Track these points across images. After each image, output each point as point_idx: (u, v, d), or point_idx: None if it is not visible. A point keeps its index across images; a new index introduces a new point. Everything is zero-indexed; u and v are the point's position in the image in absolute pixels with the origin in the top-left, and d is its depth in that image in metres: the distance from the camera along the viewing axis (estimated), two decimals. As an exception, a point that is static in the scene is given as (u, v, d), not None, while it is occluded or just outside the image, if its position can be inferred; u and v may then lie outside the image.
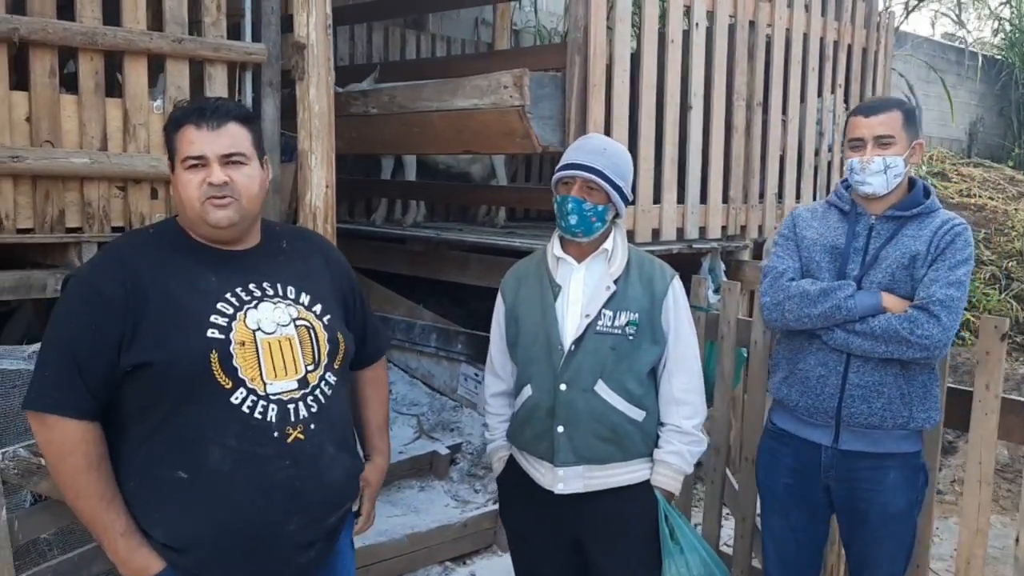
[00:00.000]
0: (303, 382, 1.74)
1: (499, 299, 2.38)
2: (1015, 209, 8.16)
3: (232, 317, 1.69)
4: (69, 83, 2.72)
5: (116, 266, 1.69)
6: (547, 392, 2.19)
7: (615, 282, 2.20)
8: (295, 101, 2.93)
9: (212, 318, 1.68)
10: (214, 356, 1.65)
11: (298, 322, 1.77)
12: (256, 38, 3.05)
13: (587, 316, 2.17)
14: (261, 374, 1.68)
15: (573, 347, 2.17)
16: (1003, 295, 6.62)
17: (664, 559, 2.17)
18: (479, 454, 4.30)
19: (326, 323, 1.82)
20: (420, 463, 4.28)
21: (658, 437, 2.25)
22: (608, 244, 2.24)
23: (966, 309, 6.19)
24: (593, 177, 2.16)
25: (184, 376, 1.63)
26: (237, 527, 1.66)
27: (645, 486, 2.22)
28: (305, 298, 1.81)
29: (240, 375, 1.67)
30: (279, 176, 3.16)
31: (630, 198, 2.28)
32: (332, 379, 1.80)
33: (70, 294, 1.70)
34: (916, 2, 10.26)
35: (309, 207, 2.89)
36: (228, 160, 1.71)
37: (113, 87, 2.82)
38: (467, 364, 4.76)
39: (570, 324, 2.20)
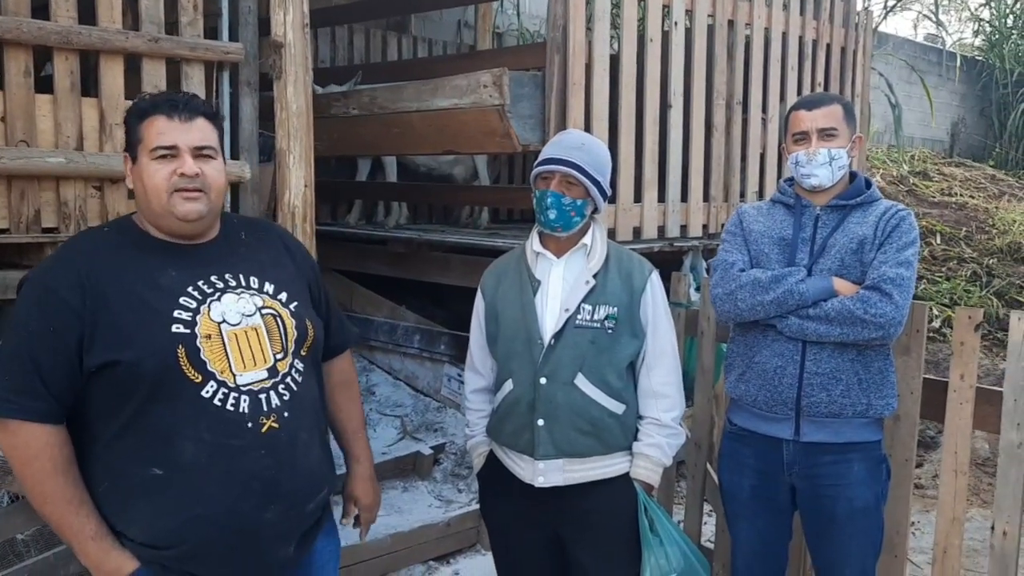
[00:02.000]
0: (273, 371, 1.72)
1: (479, 295, 2.39)
2: (996, 207, 8.24)
3: (196, 311, 1.67)
4: (46, 86, 2.70)
5: (70, 267, 1.65)
6: (527, 386, 2.19)
7: (594, 276, 2.21)
8: (272, 102, 2.93)
9: (176, 313, 1.65)
10: (181, 351, 1.63)
11: (264, 311, 1.75)
12: (233, 38, 3.05)
13: (566, 310, 2.18)
14: (230, 366, 1.67)
15: (553, 341, 2.17)
16: (984, 292, 6.68)
17: (644, 551, 2.17)
18: (462, 454, 4.30)
19: (293, 310, 1.81)
20: (403, 463, 4.27)
21: (637, 431, 2.26)
22: (587, 239, 2.25)
23: (947, 306, 6.29)
24: (572, 172, 2.16)
25: (152, 373, 1.61)
26: (216, 520, 1.65)
27: (625, 479, 2.22)
28: (269, 287, 1.80)
29: (209, 368, 1.65)
30: (258, 176, 3.16)
31: (608, 193, 2.29)
32: (301, 366, 1.79)
33: (25, 297, 1.66)
34: (895, 2, 10.34)
35: (288, 207, 2.89)
36: (199, 153, 1.70)
37: (89, 87, 2.81)
38: (450, 365, 4.76)
39: (549, 318, 2.20)
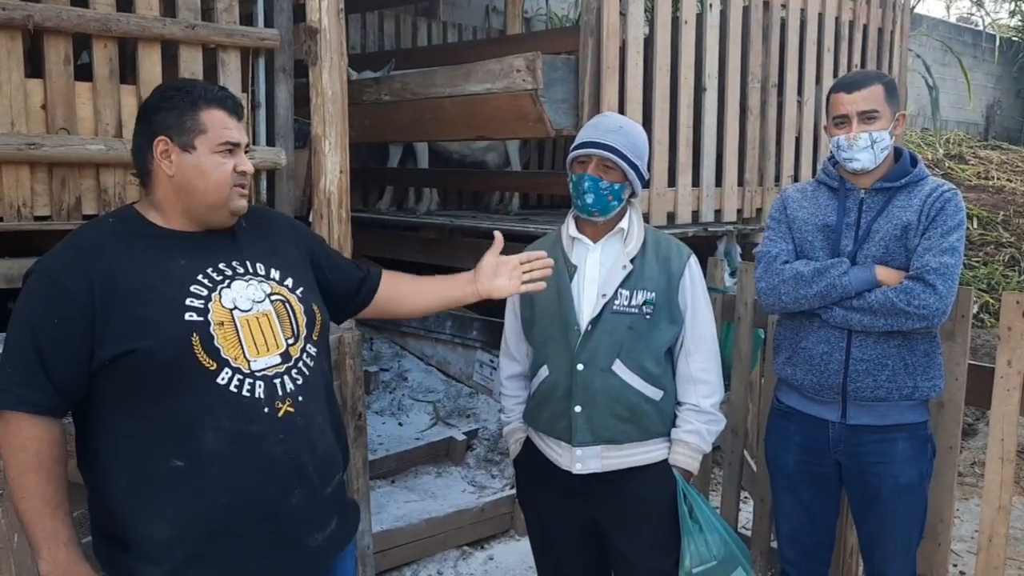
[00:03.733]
0: (286, 356, 1.72)
1: (514, 281, 2.37)
2: (1034, 191, 8.07)
3: (208, 298, 1.66)
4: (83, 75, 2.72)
5: (78, 258, 1.63)
6: (564, 372, 2.18)
7: (631, 261, 2.19)
8: (307, 88, 2.92)
9: (188, 301, 1.63)
10: (195, 339, 1.61)
11: (273, 297, 1.75)
12: (269, 24, 3.05)
13: (604, 296, 2.17)
14: (244, 352, 1.66)
15: (590, 327, 2.16)
16: (1022, 277, 6.56)
17: (683, 538, 2.16)
18: (495, 440, 4.31)
19: (300, 296, 1.81)
20: (437, 449, 4.29)
21: (675, 417, 2.24)
22: (624, 223, 2.23)
23: (984, 292, 6.18)
24: (609, 155, 2.14)
25: (167, 362, 1.59)
26: (242, 507, 1.64)
27: (663, 466, 2.21)
28: (275, 273, 1.80)
29: (223, 355, 1.63)
30: (293, 163, 3.16)
31: (646, 177, 2.26)
32: (312, 350, 1.79)
33: (31, 289, 1.64)
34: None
35: (323, 193, 2.89)
36: (245, 150, 1.76)
37: (126, 74, 2.82)
38: (482, 351, 4.76)
39: (586, 304, 2.19)
